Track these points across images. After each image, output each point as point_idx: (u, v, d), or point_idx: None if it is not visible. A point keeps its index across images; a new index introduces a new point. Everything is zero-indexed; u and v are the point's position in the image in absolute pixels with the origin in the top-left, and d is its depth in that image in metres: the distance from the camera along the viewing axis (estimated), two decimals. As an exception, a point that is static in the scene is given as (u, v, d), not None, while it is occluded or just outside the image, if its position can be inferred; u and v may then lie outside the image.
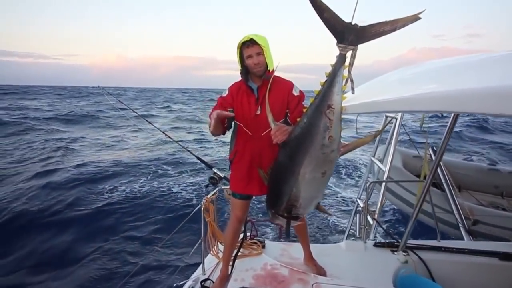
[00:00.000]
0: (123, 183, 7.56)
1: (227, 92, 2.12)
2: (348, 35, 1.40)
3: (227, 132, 2.16)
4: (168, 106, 34.17)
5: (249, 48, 1.92)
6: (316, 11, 1.41)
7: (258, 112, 2.02)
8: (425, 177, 4.20)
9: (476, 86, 1.00)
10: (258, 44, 1.89)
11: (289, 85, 2.05)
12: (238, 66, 2.05)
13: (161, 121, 20.79)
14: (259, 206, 5.98)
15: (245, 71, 2.03)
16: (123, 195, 6.72)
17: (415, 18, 1.28)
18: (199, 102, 43.91)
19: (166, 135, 3.16)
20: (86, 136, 14.02)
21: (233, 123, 2.13)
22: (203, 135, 15.25)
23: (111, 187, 7.21)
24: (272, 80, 1.87)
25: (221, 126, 2.03)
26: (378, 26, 1.36)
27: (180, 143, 3.07)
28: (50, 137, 12.87)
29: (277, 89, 1.99)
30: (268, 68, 1.98)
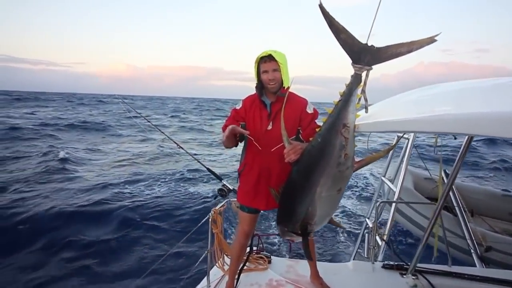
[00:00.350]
0: (132, 192, 7.62)
1: (240, 104, 2.15)
2: (364, 56, 1.42)
3: (239, 144, 2.18)
4: (177, 116, 34.50)
5: (266, 63, 1.95)
6: (333, 33, 1.44)
7: (270, 127, 2.04)
8: (435, 200, 4.13)
9: (490, 110, 1.00)
10: (276, 61, 1.93)
11: (303, 102, 2.07)
12: (255, 79, 2.08)
13: (171, 130, 21.03)
14: (265, 220, 5.94)
15: (260, 85, 2.06)
16: (130, 204, 6.73)
17: (431, 40, 1.30)
18: (206, 111, 44.31)
19: (178, 145, 3.20)
20: (97, 145, 14.24)
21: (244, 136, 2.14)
22: (211, 145, 15.35)
23: (118, 196, 7.25)
24: (286, 98, 1.87)
25: (233, 140, 2.06)
26: (394, 47, 1.38)
27: (191, 153, 3.11)
28: (55, 144, 13.08)
29: (291, 105, 1.99)
30: (284, 85, 2.00)
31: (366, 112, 1.52)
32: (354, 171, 1.64)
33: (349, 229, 6.23)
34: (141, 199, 7.09)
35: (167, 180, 8.82)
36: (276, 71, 1.96)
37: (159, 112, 38.93)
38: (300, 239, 1.88)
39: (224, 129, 2.08)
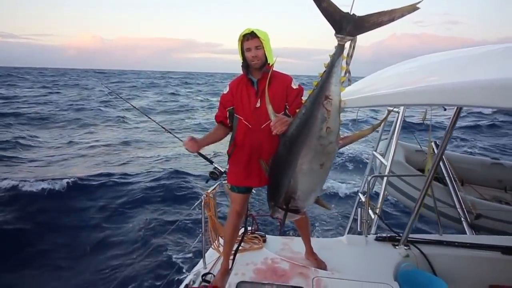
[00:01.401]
0: (120, 178, 7.52)
1: (227, 89, 2.17)
2: (346, 25, 1.39)
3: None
4: (160, 93, 32.99)
5: (249, 41, 1.96)
6: (314, 1, 1.40)
7: (258, 104, 2.05)
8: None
9: (479, 79, 0.98)
10: (258, 38, 1.93)
11: (288, 79, 2.09)
12: (239, 58, 2.08)
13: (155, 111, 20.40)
14: (260, 200, 5.99)
15: (246, 64, 2.06)
16: (119, 189, 6.71)
17: (413, 8, 1.26)
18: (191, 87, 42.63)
19: (166, 129, 3.15)
20: (82, 131, 13.97)
21: (234, 116, 2.15)
22: (197, 124, 15.13)
23: (106, 181, 7.19)
24: (271, 74, 1.88)
25: (222, 132, 2.19)
26: (376, 16, 1.35)
27: (179, 137, 3.06)
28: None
29: (276, 82, 2.02)
30: (268, 62, 2.01)
31: (349, 84, 1.49)
32: (339, 148, 1.63)
33: (344, 204, 6.35)
34: (130, 186, 7.04)
35: (156, 165, 8.75)
36: (259, 49, 1.97)
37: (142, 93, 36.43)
38: (293, 217, 1.89)
39: (216, 118, 2.20)
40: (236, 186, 2.26)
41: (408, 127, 4.34)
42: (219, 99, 2.22)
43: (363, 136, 1.70)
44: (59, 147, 10.70)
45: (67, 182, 6.74)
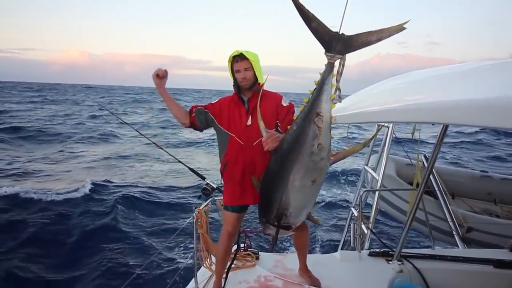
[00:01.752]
0: (110, 195, 7.36)
1: (217, 101, 2.22)
2: (336, 44, 1.43)
3: (203, 131, 2.27)
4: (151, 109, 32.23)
5: (238, 63, 1.99)
6: (304, 21, 1.44)
7: (249, 122, 2.07)
8: (417, 185, 4.22)
9: (465, 98, 1.00)
10: (247, 59, 1.96)
11: (278, 97, 2.12)
12: (230, 78, 2.11)
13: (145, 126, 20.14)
14: (252, 216, 5.93)
15: (237, 84, 2.09)
16: (108, 208, 6.53)
17: (399, 28, 1.31)
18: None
19: (158, 146, 3.13)
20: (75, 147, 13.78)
21: (224, 133, 2.15)
22: (190, 144, 15.07)
23: (95, 199, 7.04)
24: (262, 93, 1.90)
25: (184, 114, 2.15)
26: (364, 35, 1.39)
27: (172, 154, 3.04)
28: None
29: (267, 101, 2.04)
30: (259, 82, 2.04)
31: (339, 101, 1.52)
32: (331, 164, 1.64)
33: (337, 219, 6.32)
34: (116, 201, 6.87)
35: (147, 182, 8.61)
36: (248, 70, 2.00)
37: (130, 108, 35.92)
38: (284, 233, 1.88)
39: (191, 107, 2.20)
40: (231, 205, 2.23)
41: (398, 141, 4.40)
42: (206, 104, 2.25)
43: (354, 152, 1.71)
44: (58, 160, 10.57)
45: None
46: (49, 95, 47.35)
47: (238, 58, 1.98)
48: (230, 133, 2.12)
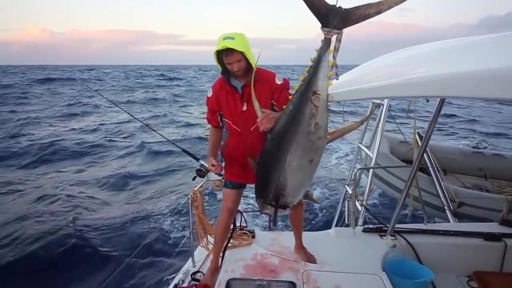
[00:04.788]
0: (100, 177, 7.34)
1: (211, 92, 2.13)
2: (333, 18, 1.36)
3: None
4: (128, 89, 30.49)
5: (228, 56, 1.85)
6: None
7: (245, 108, 2.02)
8: (409, 162, 4.27)
9: (462, 70, 0.99)
10: (238, 51, 1.81)
11: (271, 75, 2.03)
12: (218, 67, 1.99)
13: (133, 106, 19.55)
14: (247, 196, 5.98)
15: (226, 71, 1.98)
16: (102, 191, 6.54)
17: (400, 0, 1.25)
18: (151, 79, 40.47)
19: (149, 127, 3.08)
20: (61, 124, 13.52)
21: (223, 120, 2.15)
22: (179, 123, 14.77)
23: (86, 183, 7.02)
24: (254, 78, 1.84)
25: (220, 133, 2.23)
26: (363, 8, 1.33)
27: (163, 134, 2.99)
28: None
29: (261, 83, 1.96)
30: (251, 65, 1.91)
31: (337, 79, 1.48)
32: (327, 143, 1.62)
33: (331, 197, 6.41)
34: (109, 185, 6.88)
35: (137, 163, 8.54)
36: (241, 61, 1.87)
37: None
38: (282, 212, 1.88)
39: (208, 121, 2.22)
40: (231, 181, 2.24)
41: (392, 117, 4.40)
42: (206, 101, 2.18)
43: (352, 129, 1.69)
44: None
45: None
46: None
47: (228, 53, 1.82)
48: (227, 120, 2.10)
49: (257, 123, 1.63)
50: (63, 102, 20.39)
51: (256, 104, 1.65)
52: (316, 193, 6.53)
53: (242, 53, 1.82)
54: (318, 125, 1.51)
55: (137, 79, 44.47)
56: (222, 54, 1.86)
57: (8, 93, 23.69)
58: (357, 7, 1.34)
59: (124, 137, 11.59)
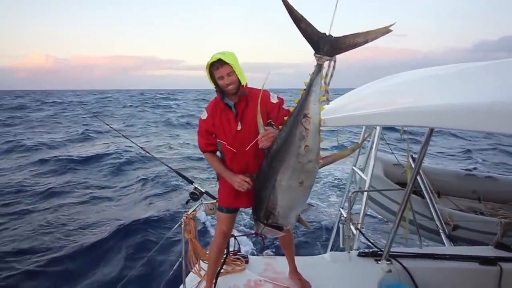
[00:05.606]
0: (95, 202, 7.20)
1: (205, 114, 2.11)
2: (323, 45, 1.44)
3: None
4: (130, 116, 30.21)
5: (218, 69, 1.89)
6: (293, 21, 1.45)
7: (239, 127, 2.02)
8: (402, 184, 4.27)
9: (453, 102, 1.01)
10: (228, 64, 1.86)
11: (265, 94, 2.02)
12: (211, 85, 2.01)
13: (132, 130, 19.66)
14: (242, 219, 5.89)
15: (220, 89, 2.00)
16: (93, 216, 6.38)
17: (386, 30, 1.32)
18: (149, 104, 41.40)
19: (145, 150, 3.08)
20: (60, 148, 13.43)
21: (218, 142, 2.12)
22: (181, 149, 14.86)
23: (81, 206, 6.89)
24: (248, 94, 1.89)
25: (217, 156, 2.17)
26: (351, 37, 1.40)
27: (158, 157, 2.98)
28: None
29: (255, 101, 1.96)
30: (242, 84, 1.96)
31: (327, 104, 1.52)
32: (320, 167, 1.64)
33: (326, 221, 6.34)
34: (106, 209, 6.74)
35: (132, 187, 8.41)
36: (231, 74, 1.90)
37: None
38: (276, 234, 1.88)
39: (204, 147, 2.14)
40: (226, 207, 2.22)
41: (384, 139, 4.44)
42: (199, 123, 2.15)
43: (343, 156, 1.72)
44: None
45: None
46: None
47: (218, 65, 1.87)
48: (221, 141, 2.08)
49: (257, 140, 1.69)
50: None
51: (259, 121, 1.71)
52: (311, 215, 6.46)
53: (231, 66, 1.86)
54: (308, 148, 1.54)
55: (139, 103, 44.94)
56: (214, 69, 1.90)
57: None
58: (345, 36, 1.41)
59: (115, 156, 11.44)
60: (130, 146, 12.34)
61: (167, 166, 3.08)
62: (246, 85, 1.97)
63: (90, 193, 7.87)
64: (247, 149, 2.02)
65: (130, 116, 27.76)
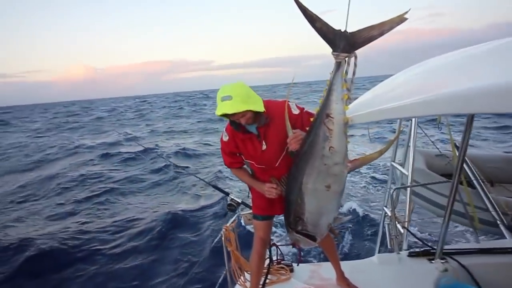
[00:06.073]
0: (133, 219, 7.35)
1: (227, 136, 2.06)
2: (339, 42, 1.41)
3: None
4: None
5: (231, 115, 1.80)
6: (308, 22, 1.44)
7: (264, 147, 1.99)
8: (450, 176, 4.01)
9: (489, 83, 0.93)
10: (239, 112, 1.76)
11: (284, 107, 1.85)
12: (225, 119, 1.94)
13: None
14: (281, 229, 5.82)
15: (235, 121, 1.91)
16: (135, 234, 6.55)
17: (400, 19, 1.30)
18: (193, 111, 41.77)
19: (178, 166, 3.15)
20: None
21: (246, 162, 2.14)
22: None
23: (120, 221, 7.14)
24: (269, 115, 1.90)
25: (245, 170, 2.18)
26: (366, 31, 1.37)
27: (194, 173, 3.04)
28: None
29: (277, 118, 1.92)
30: (260, 111, 1.86)
31: (348, 104, 1.49)
32: (349, 171, 1.59)
33: (369, 221, 6.10)
34: (145, 225, 6.86)
35: (169, 203, 8.44)
36: (246, 114, 1.81)
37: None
38: (309, 244, 1.85)
39: (230, 165, 2.15)
40: (260, 215, 2.23)
41: (423, 131, 4.20)
42: (221, 145, 2.11)
43: (372, 159, 1.66)
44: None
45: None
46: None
47: (230, 115, 1.78)
48: (249, 161, 2.09)
49: (287, 142, 1.67)
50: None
51: (288, 125, 1.69)
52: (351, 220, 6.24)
53: (246, 109, 1.76)
54: (333, 149, 1.50)
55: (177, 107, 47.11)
56: (229, 117, 1.83)
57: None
58: (360, 30, 1.38)
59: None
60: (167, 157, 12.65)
61: (203, 180, 3.13)
62: (264, 105, 1.89)
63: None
64: (276, 165, 2.01)
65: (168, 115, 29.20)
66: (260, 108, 1.85)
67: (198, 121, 26.78)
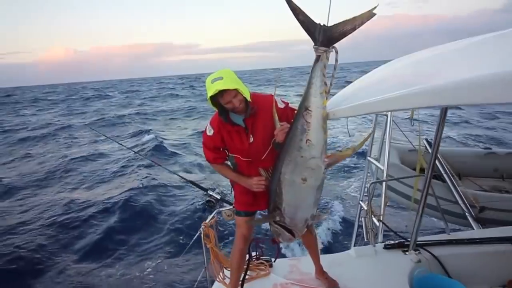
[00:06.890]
0: (107, 216, 7.07)
1: (212, 130, 2.02)
2: (319, 36, 1.42)
3: None
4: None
5: (223, 96, 1.78)
6: (293, 13, 1.44)
7: (251, 140, 1.97)
8: (421, 170, 4.15)
9: (462, 77, 0.97)
10: (231, 89, 1.76)
11: (270, 101, 1.88)
12: (212, 108, 1.92)
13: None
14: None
15: (224, 111, 1.92)
16: (106, 231, 6.34)
17: (370, 14, 1.34)
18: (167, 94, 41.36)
19: (155, 163, 3.07)
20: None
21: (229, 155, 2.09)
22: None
23: (96, 217, 6.90)
24: (255, 108, 1.89)
25: (228, 166, 2.15)
26: (341, 25, 1.40)
27: (171, 170, 2.98)
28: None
29: (263, 110, 1.91)
30: (248, 99, 1.86)
31: (326, 98, 1.51)
32: (326, 167, 1.61)
33: (344, 215, 6.24)
34: (119, 223, 6.63)
35: (145, 199, 8.07)
36: (237, 95, 1.80)
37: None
38: (287, 238, 1.90)
39: (213, 160, 2.09)
40: (243, 211, 2.20)
41: (396, 127, 4.33)
42: (204, 139, 2.07)
43: (346, 156, 1.72)
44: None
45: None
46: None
47: (222, 92, 1.75)
48: (235, 155, 2.05)
49: (274, 134, 1.72)
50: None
51: (275, 117, 1.73)
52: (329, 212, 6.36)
53: (236, 89, 1.77)
54: (310, 142, 1.52)
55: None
56: (217, 97, 1.80)
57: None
58: (336, 24, 1.41)
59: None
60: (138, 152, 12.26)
61: (180, 176, 3.07)
62: (250, 95, 1.88)
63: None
64: (263, 158, 1.97)
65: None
66: (248, 95, 1.85)
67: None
